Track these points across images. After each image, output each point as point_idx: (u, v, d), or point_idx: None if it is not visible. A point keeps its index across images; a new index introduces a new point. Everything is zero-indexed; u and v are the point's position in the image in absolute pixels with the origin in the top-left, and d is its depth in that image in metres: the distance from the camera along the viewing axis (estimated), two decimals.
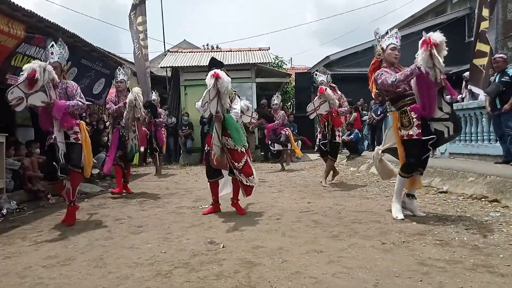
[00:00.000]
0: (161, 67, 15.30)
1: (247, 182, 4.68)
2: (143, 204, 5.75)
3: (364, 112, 13.25)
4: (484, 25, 8.78)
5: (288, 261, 2.98)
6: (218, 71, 4.50)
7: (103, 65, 9.65)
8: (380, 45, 4.42)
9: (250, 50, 16.28)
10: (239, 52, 16.12)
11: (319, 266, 2.85)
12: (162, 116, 10.07)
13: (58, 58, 4.61)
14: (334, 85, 7.35)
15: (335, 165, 7.58)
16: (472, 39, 9.59)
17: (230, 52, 16.33)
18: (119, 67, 6.86)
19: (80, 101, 4.56)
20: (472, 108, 8.13)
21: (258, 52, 15.86)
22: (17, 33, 5.84)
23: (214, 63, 4.91)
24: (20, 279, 2.82)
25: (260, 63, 14.79)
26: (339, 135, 7.18)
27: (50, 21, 6.57)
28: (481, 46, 8.75)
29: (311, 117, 7.36)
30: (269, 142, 10.26)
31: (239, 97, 5.06)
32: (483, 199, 4.85)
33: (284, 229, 3.97)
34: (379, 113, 11.77)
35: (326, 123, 7.10)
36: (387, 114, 11.86)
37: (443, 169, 6.33)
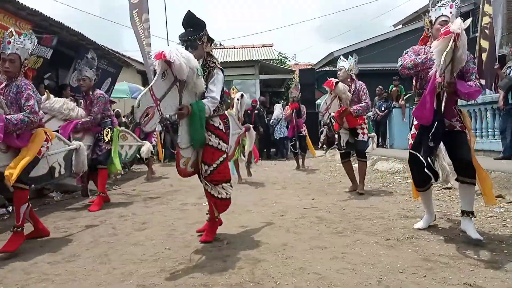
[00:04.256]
0: None
1: (218, 194, 3.40)
2: (147, 201, 5.78)
3: None
4: (485, 20, 8.75)
5: (292, 257, 2.98)
6: (166, 50, 2.98)
7: (108, 64, 9.66)
8: (429, 16, 3.45)
9: (254, 47, 16.31)
10: (243, 49, 16.15)
11: (323, 262, 2.86)
12: None
13: (17, 49, 3.56)
14: (353, 77, 5.98)
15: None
16: (477, 34, 9.56)
17: (233, 49, 16.36)
18: (79, 60, 5.70)
19: (28, 118, 3.41)
20: (477, 104, 8.08)
21: (262, 49, 15.89)
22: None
23: (193, 23, 3.40)
24: (25, 275, 2.84)
25: (263, 59, 14.79)
26: (363, 133, 5.83)
27: (54, 19, 6.59)
28: (482, 42, 8.75)
29: (325, 118, 6.36)
30: (293, 138, 9.73)
31: (222, 71, 3.47)
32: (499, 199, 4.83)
33: (288, 226, 3.97)
34: (383, 109, 11.81)
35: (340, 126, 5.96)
36: (391, 110, 11.85)
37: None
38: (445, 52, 2.98)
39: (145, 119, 2.98)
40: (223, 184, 3.42)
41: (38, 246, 3.59)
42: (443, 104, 3.21)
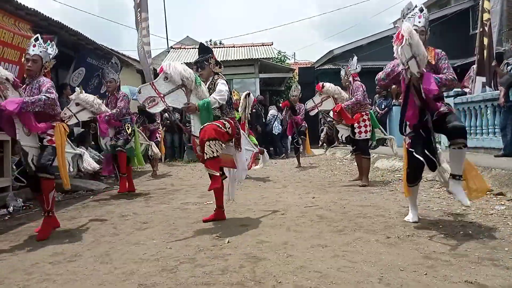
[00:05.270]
0: None
1: (206, 154, 3.85)
2: (148, 201, 5.78)
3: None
4: (485, 16, 8.75)
5: (293, 256, 2.99)
6: (165, 64, 3.92)
7: (107, 63, 9.64)
8: None
9: (253, 46, 16.26)
10: (242, 47, 16.11)
11: (324, 261, 2.86)
12: (157, 120, 9.76)
13: (40, 52, 4.07)
14: (353, 78, 6.58)
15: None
16: (477, 31, 9.54)
17: (233, 47, 16.32)
18: (106, 64, 6.64)
19: (45, 96, 3.85)
20: (477, 101, 8.08)
21: (261, 47, 15.84)
22: (26, 34, 5.88)
23: (202, 50, 4.39)
24: (27, 276, 2.85)
25: (263, 58, 14.76)
26: (359, 132, 6.38)
27: (53, 19, 6.60)
28: (483, 39, 8.75)
29: (311, 113, 7.17)
30: (295, 136, 9.88)
31: (226, 81, 4.25)
32: (488, 193, 4.83)
33: (289, 224, 3.98)
34: (383, 107, 11.81)
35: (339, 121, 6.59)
36: (391, 108, 11.85)
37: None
38: (400, 47, 3.15)
39: (150, 103, 3.84)
40: (210, 142, 3.82)
41: (39, 246, 3.60)
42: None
